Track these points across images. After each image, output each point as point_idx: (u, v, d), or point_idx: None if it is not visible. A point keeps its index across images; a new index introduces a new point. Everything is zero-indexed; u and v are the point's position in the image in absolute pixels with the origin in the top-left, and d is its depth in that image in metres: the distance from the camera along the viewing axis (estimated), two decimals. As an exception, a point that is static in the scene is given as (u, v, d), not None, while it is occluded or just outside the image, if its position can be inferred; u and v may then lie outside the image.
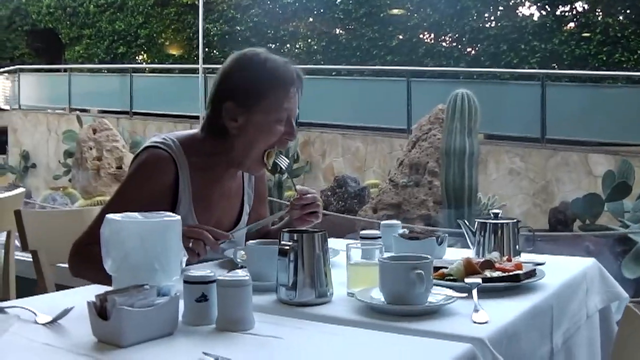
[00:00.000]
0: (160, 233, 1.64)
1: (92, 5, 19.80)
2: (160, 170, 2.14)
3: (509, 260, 1.92)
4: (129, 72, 16.33)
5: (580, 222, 8.57)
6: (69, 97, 17.07)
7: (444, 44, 15.65)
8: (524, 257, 2.21)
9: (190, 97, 14.46)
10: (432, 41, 15.71)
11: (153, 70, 18.08)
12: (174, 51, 18.99)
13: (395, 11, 15.83)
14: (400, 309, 1.58)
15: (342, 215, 8.24)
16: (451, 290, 1.66)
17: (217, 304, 1.52)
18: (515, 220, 2.23)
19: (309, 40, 17.34)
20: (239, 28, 17.52)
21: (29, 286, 2.71)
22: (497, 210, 2.24)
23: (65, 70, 18.05)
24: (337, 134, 12.91)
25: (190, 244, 1.96)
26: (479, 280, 1.70)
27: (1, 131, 18.61)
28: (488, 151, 11.08)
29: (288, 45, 17.46)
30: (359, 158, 12.62)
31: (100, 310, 1.41)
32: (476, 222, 2.23)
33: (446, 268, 1.85)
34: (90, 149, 12.67)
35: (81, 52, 19.95)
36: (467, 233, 2.26)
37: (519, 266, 1.85)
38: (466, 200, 7.83)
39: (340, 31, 16.73)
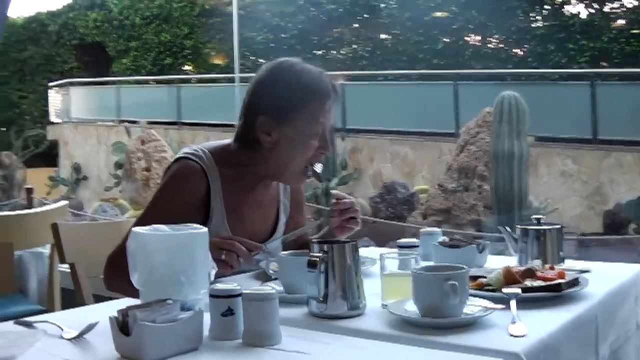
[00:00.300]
0: (187, 246, 1.60)
1: (137, 18, 20.04)
2: (191, 182, 2.10)
3: (552, 268, 1.83)
4: (175, 82, 16.48)
5: (635, 225, 8.35)
6: (117, 109, 17.29)
7: (490, 45, 15.46)
8: (569, 264, 2.12)
9: (237, 106, 14.51)
10: (479, 43, 15.53)
11: (200, 81, 18.21)
12: (219, 61, 19.11)
13: (439, 14, 15.68)
14: (434, 321, 1.51)
15: (389, 222, 8.15)
16: (488, 301, 1.58)
17: (243, 318, 1.48)
18: (559, 226, 2.14)
19: (354, 45, 17.28)
20: (283, 36, 17.55)
21: (74, 298, 2.70)
22: (539, 216, 2.15)
23: (113, 82, 18.30)
24: (385, 139, 12.83)
25: (223, 256, 1.91)
26: (518, 291, 1.62)
27: (53, 144, 18.94)
28: (539, 154, 10.87)
29: (333, 52, 17.43)
30: (407, 163, 12.51)
31: (122, 325, 1.38)
32: (518, 229, 2.15)
33: (485, 277, 1.77)
34: (139, 159, 12.80)
35: (128, 64, 20.20)
36: (508, 240, 2.18)
37: (561, 275, 1.76)
38: (516, 204, 7.69)
39: (386, 36, 16.63)
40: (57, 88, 19.61)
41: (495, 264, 2.10)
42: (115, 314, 1.40)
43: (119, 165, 13.85)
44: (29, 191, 8.47)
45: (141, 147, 12.95)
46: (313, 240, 1.70)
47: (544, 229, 2.11)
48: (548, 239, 2.11)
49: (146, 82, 18.76)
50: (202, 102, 15.98)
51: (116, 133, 16.37)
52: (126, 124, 16.39)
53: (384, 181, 11.49)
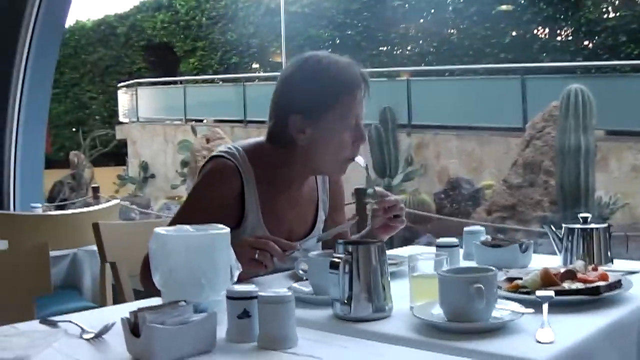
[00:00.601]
0: (207, 247, 1.58)
1: (204, 18, 20.25)
2: (225, 180, 2.07)
3: (595, 269, 1.72)
4: (241, 81, 16.57)
5: None
6: (184, 108, 17.48)
7: (559, 38, 15.09)
8: (617, 264, 2.01)
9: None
10: (547, 36, 15.17)
11: (265, 79, 18.29)
12: (286, 58, 19.16)
13: (505, 7, 15.38)
14: (458, 326, 1.42)
15: (450, 218, 8.01)
16: (520, 304, 1.49)
17: (259, 321, 1.43)
18: (606, 225, 2.02)
19: (421, 41, 17.09)
20: (349, 32, 17.48)
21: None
22: (586, 215, 2.04)
23: (180, 82, 18.51)
24: (451, 135, 12.67)
25: (257, 255, 1.88)
26: (551, 294, 1.52)
27: (121, 144, 19.28)
28: (609, 148, 10.58)
29: (399, 48, 17.28)
30: (474, 159, 12.32)
31: (134, 327, 1.35)
32: (563, 228, 2.04)
33: (521, 279, 1.68)
34: (204, 158, 12.89)
35: (195, 63, 20.43)
36: (553, 239, 2.07)
37: (604, 276, 1.66)
38: (582, 200, 7.48)
39: (452, 31, 16.40)
40: (125, 89, 19.94)
41: (541, 264, 2.01)
42: (128, 315, 1.37)
43: (184, 164, 14.00)
44: (95, 190, 8.66)
45: (206, 146, 13.05)
46: (339, 241, 1.63)
47: (590, 228, 2.00)
48: (594, 239, 2.00)
49: (212, 81, 18.92)
50: (268, 100, 15.96)
51: (183, 132, 16.56)
52: (193, 122, 16.59)
53: (450, 177, 11.33)
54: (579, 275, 1.66)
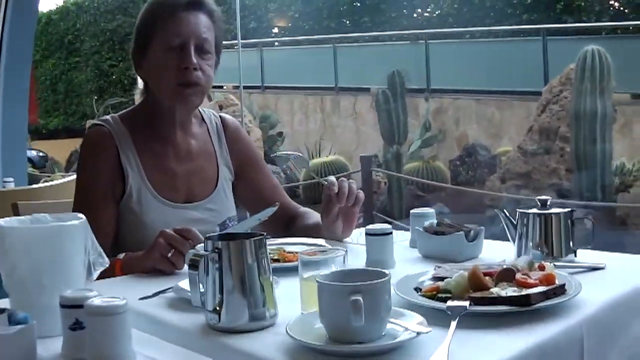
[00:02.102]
0: (49, 241, 1.31)
1: (221, -19, 19.88)
2: (97, 147, 2.02)
3: (542, 268, 1.40)
4: (258, 46, 16.24)
5: None
6: (202, 74, 17.20)
7: (584, -3, 14.51)
8: (582, 256, 1.68)
9: (323, 68, 14.21)
10: (571, -5, 14.59)
11: (284, 44, 17.92)
12: (304, 22, 18.74)
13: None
14: (333, 349, 1.12)
15: (462, 188, 7.68)
16: (422, 319, 1.18)
17: (88, 335, 1.14)
18: (568, 210, 1.69)
19: (441, 3, 16.58)
20: (368, -7, 17.03)
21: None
22: (545, 197, 1.71)
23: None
24: (471, 99, 12.26)
25: (169, 255, 1.71)
26: (464, 304, 1.21)
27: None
28: (634, 112, 10.11)
29: (419, 9, 16.79)
30: (494, 125, 11.91)
31: None
32: (517, 213, 1.71)
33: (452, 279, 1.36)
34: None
35: (216, 28, 20.11)
36: (506, 226, 1.75)
37: (548, 279, 1.33)
38: (599, 167, 7.09)
39: (473, -9, 15.85)
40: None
41: (495, 254, 1.69)
42: None
43: (200, 131, 13.75)
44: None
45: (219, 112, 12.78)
46: (207, 236, 1.34)
47: (548, 214, 1.68)
48: (553, 226, 1.67)
49: (230, 46, 18.58)
50: (285, 65, 15.67)
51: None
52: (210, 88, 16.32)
53: (469, 143, 10.96)
54: (518, 276, 1.34)
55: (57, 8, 23.95)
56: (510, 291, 1.28)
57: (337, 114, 14.25)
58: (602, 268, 1.59)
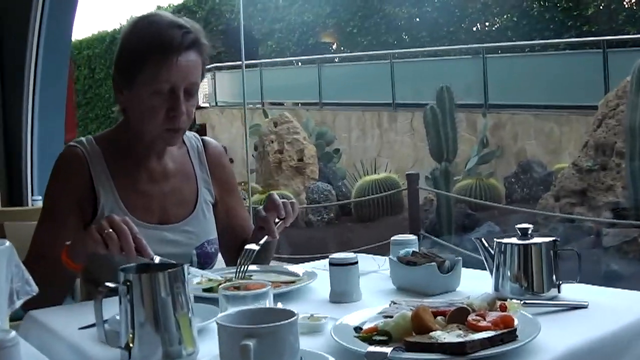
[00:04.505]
0: None
1: (281, 0, 19.95)
2: (67, 169, 1.99)
3: (503, 308, 1.26)
4: (316, 62, 16.22)
5: None
6: (261, 91, 17.31)
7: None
8: (566, 291, 1.53)
9: (381, 83, 14.11)
10: (634, 6, 14.10)
11: (343, 59, 17.86)
12: (362, 38, 18.66)
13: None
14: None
15: (506, 206, 7.46)
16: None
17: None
18: (550, 240, 1.54)
19: (499, 16, 16.28)
20: (425, 9, 16.84)
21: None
22: (526, 225, 1.56)
23: (256, 65, 18.30)
24: (529, 114, 11.98)
25: (105, 233, 1.62)
26: (385, 351, 1.08)
27: (203, 128, 19.31)
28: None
29: (478, 23, 16.52)
30: (553, 140, 11.61)
31: None
32: (495, 242, 1.57)
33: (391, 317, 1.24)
34: (272, 142, 12.67)
35: (273, 46, 20.18)
36: (484, 257, 1.61)
37: (506, 321, 1.20)
38: (656, 185, 6.78)
39: (532, 4, 15.50)
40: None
41: (476, 287, 1.56)
42: None
43: (256, 148, 13.79)
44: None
45: (274, 129, 12.80)
46: (120, 268, 1.24)
47: (529, 244, 1.53)
48: (533, 258, 1.52)
49: (290, 63, 18.63)
50: (345, 81, 15.61)
51: (259, 116, 16.38)
52: (264, 106, 16.42)
53: (521, 160, 10.69)
54: (471, 318, 1.20)
55: (121, 27, 24.42)
56: (454, 335, 1.15)
57: (394, 130, 14.11)
58: (585, 307, 1.43)
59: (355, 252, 1.83)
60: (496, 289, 1.54)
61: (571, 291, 1.53)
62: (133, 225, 1.65)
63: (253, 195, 11.66)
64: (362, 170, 11.91)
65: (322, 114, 15.52)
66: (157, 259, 1.60)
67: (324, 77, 15.84)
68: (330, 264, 1.59)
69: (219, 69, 19.67)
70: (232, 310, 1.15)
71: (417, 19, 17.28)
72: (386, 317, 1.28)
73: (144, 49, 1.86)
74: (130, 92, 1.91)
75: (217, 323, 1.06)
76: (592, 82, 11.03)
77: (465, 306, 1.24)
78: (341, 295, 1.54)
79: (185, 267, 1.24)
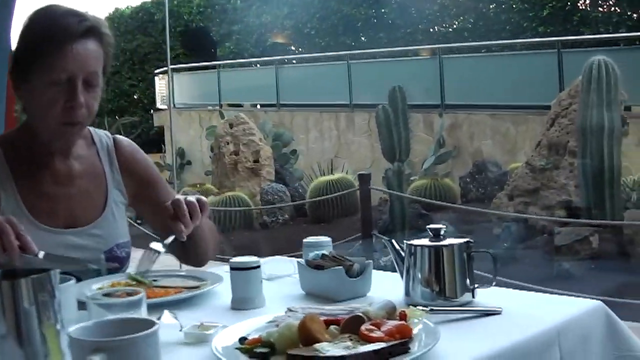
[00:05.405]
0: None
1: (239, 1, 19.82)
2: None
3: (403, 316, 1.16)
4: (274, 64, 16.12)
5: None
6: (219, 93, 17.16)
7: (601, 9, 14.11)
8: (481, 296, 1.43)
9: (338, 84, 14.04)
10: (588, 7, 14.21)
11: (301, 61, 17.77)
12: (320, 39, 18.60)
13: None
14: None
15: (459, 206, 7.41)
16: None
17: None
18: (463, 241, 1.44)
19: (456, 18, 16.32)
20: (383, 11, 16.82)
21: None
22: (439, 225, 1.46)
23: (216, 66, 18.15)
24: (486, 115, 11.97)
25: None
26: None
27: (159, 130, 19.09)
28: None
29: (435, 25, 16.53)
30: (509, 140, 11.62)
31: None
32: (405, 244, 1.47)
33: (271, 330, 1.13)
34: (227, 143, 12.52)
35: (232, 47, 20.03)
36: (394, 259, 1.50)
37: (402, 331, 1.09)
38: (607, 183, 6.76)
39: (489, 5, 15.55)
40: (161, 75, 19.71)
41: (389, 291, 1.45)
42: None
43: (212, 149, 13.65)
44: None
45: (230, 131, 12.65)
46: None
47: (439, 246, 1.43)
48: (446, 261, 1.42)
49: (249, 64, 18.50)
50: (303, 83, 15.51)
51: (217, 117, 16.23)
52: (225, 107, 16.28)
53: (476, 160, 10.68)
54: (364, 328, 1.10)
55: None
56: (341, 347, 1.04)
57: (352, 131, 14.05)
58: (498, 313, 1.33)
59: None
60: (407, 293, 1.44)
61: (487, 296, 1.43)
62: (17, 223, 1.56)
63: (208, 197, 11.50)
64: (319, 171, 11.82)
65: (280, 115, 15.42)
66: (41, 254, 1.52)
67: (281, 78, 15.74)
68: (231, 268, 1.48)
69: (177, 70, 19.46)
70: (92, 321, 1.03)
71: (375, 20, 17.26)
72: (277, 326, 1.17)
73: (38, 39, 1.79)
74: (27, 84, 1.82)
75: (68, 335, 0.94)
76: (548, 82, 11.06)
77: (360, 314, 1.14)
78: (242, 301, 1.44)
79: (54, 272, 1.12)
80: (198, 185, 12.82)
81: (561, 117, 8.05)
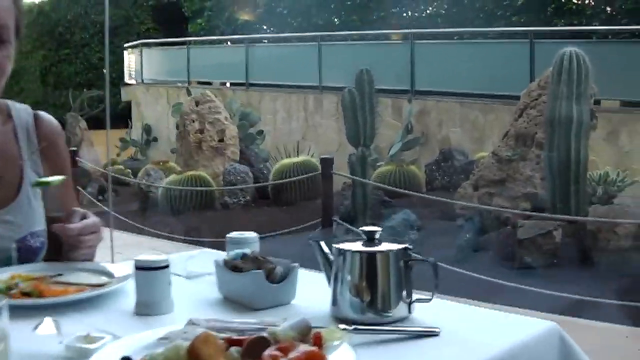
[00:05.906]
0: None
1: (212, -24, 19.54)
2: None
3: (317, 340, 0.98)
4: (244, 42, 15.86)
5: None
6: (187, 70, 16.89)
7: (576, 1, 14.03)
8: (420, 311, 1.26)
9: (308, 66, 13.83)
10: (563, -2, 14.15)
11: (272, 40, 17.50)
12: (292, 19, 18.34)
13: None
14: None
15: (424, 195, 7.26)
16: None
17: None
18: (400, 247, 1.26)
19: (430, 3, 16.15)
20: (356, -7, 16.62)
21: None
22: (373, 228, 1.28)
23: (185, 43, 17.84)
24: (455, 102, 11.85)
25: None
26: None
27: (126, 105, 18.79)
28: (621, 120, 9.75)
29: (409, 10, 16.35)
30: (477, 128, 11.52)
31: None
32: (333, 249, 1.28)
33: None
34: (193, 121, 12.26)
35: (203, 24, 19.71)
36: (322, 264, 1.32)
37: (314, 358, 0.91)
38: (572, 177, 6.64)
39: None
40: (131, 49, 19.37)
41: (317, 301, 1.27)
42: None
43: (177, 127, 13.39)
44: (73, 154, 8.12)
45: (195, 109, 12.39)
46: None
47: (372, 252, 1.25)
48: (380, 269, 1.24)
49: (219, 42, 18.20)
50: (273, 63, 15.26)
51: (185, 95, 15.97)
52: (194, 84, 16.04)
53: (442, 147, 10.55)
54: (267, 353, 0.91)
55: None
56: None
57: (319, 113, 13.87)
58: (436, 334, 1.15)
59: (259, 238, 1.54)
60: (334, 303, 1.26)
61: (426, 311, 1.25)
62: None
63: (170, 175, 11.27)
64: (285, 154, 11.62)
65: (249, 95, 15.20)
66: None
67: (251, 57, 15.51)
68: (136, 268, 1.28)
69: (147, 45, 19.13)
70: None
71: (348, 2, 17.05)
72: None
73: None
74: None
75: None
76: (519, 72, 10.94)
77: (265, 336, 0.95)
78: (147, 305, 1.25)
79: None
80: (161, 163, 12.58)
81: (530, 107, 7.92)
